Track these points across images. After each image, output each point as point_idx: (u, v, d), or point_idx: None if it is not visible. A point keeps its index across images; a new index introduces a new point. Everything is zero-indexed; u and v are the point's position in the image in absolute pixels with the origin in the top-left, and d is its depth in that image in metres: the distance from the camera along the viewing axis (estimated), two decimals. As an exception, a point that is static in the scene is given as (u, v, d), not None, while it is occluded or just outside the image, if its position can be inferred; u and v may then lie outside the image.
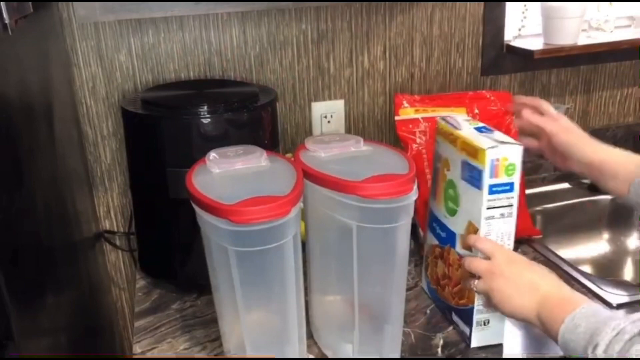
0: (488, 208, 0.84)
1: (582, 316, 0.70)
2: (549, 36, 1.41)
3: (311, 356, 0.90)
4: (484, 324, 0.91)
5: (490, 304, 0.83)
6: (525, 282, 0.79)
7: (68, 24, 1.16)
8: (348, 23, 1.31)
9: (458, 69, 1.41)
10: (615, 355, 0.63)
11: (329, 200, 0.80)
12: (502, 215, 0.85)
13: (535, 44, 1.40)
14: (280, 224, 0.71)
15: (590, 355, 0.66)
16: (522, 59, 1.43)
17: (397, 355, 0.89)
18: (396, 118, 1.25)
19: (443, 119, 0.96)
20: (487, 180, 0.83)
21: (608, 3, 1.48)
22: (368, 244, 0.81)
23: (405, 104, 1.26)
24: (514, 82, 1.46)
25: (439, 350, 0.92)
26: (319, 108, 1.35)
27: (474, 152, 0.85)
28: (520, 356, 0.91)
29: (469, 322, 0.91)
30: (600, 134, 1.55)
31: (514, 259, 0.83)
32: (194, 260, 1.04)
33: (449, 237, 0.93)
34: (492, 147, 0.82)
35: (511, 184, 0.84)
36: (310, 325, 0.96)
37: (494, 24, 1.39)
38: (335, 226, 0.82)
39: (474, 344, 0.92)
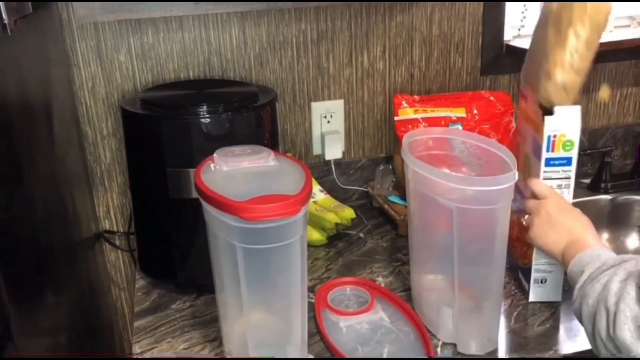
0: (544, 179, 0.94)
1: (589, 254, 0.80)
2: (549, 36, 1.41)
3: (311, 356, 0.90)
4: (542, 282, 1.01)
5: (530, 236, 0.93)
6: (562, 224, 0.89)
7: (67, 24, 1.16)
8: (348, 23, 1.31)
9: (457, 69, 1.41)
10: (594, 285, 0.74)
11: (431, 182, 0.86)
12: (559, 186, 0.94)
13: (534, 44, 1.40)
14: (289, 222, 0.72)
15: (578, 283, 0.77)
16: (522, 59, 1.42)
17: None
18: (395, 118, 1.25)
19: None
20: (544, 154, 0.92)
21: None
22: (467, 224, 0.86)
23: (405, 104, 1.26)
24: (514, 82, 1.46)
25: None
26: (318, 108, 1.35)
27: (537, 127, 0.93)
28: (520, 356, 0.91)
29: (528, 279, 1.01)
30: (600, 133, 1.55)
31: (561, 204, 0.92)
32: (194, 260, 1.04)
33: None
34: None
35: (568, 159, 0.93)
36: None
37: (493, 24, 1.39)
38: (439, 208, 0.87)
39: (532, 298, 1.02)
